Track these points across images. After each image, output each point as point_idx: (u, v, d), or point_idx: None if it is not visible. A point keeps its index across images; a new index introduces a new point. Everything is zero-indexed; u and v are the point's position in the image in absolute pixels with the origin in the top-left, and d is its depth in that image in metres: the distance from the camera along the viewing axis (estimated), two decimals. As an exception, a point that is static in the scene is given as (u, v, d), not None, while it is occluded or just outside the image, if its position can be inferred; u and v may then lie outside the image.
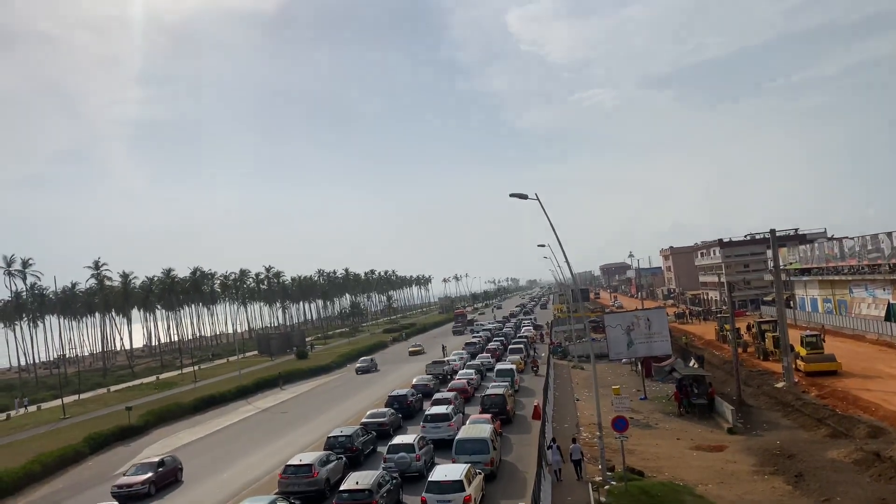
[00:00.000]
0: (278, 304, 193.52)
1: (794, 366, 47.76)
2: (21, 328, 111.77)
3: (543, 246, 67.14)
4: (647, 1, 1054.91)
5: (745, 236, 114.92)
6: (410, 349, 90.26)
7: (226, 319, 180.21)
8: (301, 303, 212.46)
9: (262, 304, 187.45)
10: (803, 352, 50.10)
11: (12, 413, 65.66)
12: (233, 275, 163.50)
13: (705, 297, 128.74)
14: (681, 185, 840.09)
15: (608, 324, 48.44)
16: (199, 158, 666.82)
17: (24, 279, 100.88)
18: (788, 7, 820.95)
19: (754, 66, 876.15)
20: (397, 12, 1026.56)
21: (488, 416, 35.28)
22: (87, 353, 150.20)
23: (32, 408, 68.46)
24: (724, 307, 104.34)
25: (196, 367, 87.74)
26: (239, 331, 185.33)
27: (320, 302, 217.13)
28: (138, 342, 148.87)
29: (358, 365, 76.12)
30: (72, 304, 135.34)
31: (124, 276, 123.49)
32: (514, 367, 52.45)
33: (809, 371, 48.02)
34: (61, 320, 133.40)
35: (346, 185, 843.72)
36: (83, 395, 74.69)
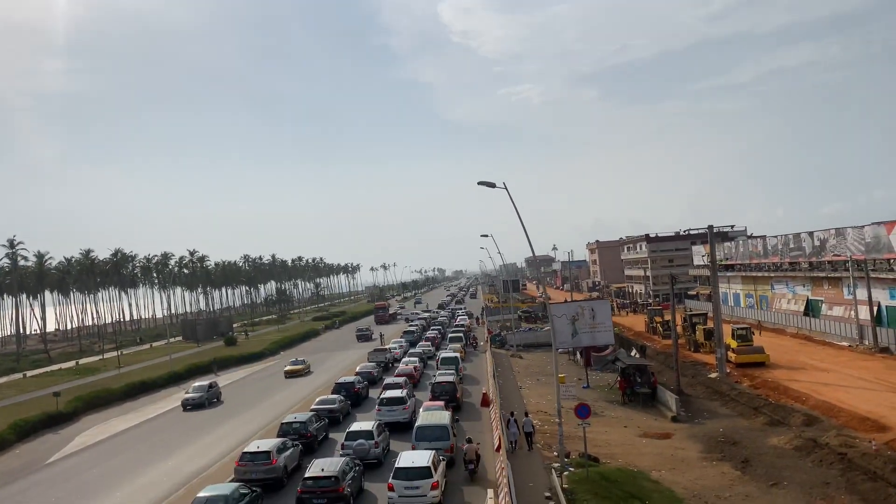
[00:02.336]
0: (200, 290, 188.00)
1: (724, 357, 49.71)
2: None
3: (487, 237, 68.20)
4: (575, 0, 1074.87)
5: (679, 232, 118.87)
6: (287, 368, 60.67)
7: (145, 304, 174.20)
8: (224, 289, 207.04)
9: (183, 289, 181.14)
10: (734, 344, 52.18)
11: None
12: (155, 258, 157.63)
13: (630, 290, 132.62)
14: (603, 183, 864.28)
15: (553, 313, 48.84)
16: (119, 137, 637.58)
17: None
18: (709, 13, 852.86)
19: (675, 69, 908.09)
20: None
21: (441, 402, 35.32)
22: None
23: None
24: (650, 300, 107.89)
25: (119, 353, 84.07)
26: (159, 316, 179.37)
27: (244, 288, 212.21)
28: (50, 326, 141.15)
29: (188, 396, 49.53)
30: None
31: (39, 256, 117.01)
32: (457, 355, 52.81)
33: (740, 362, 50.08)
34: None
35: (275, 172, 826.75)
36: (-4, 381, 70.48)
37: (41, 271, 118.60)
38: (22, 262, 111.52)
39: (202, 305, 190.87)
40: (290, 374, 59.24)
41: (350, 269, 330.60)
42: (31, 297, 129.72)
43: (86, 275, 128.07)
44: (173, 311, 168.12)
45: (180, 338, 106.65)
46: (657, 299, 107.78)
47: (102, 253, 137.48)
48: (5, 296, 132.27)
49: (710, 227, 51.87)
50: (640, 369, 42.38)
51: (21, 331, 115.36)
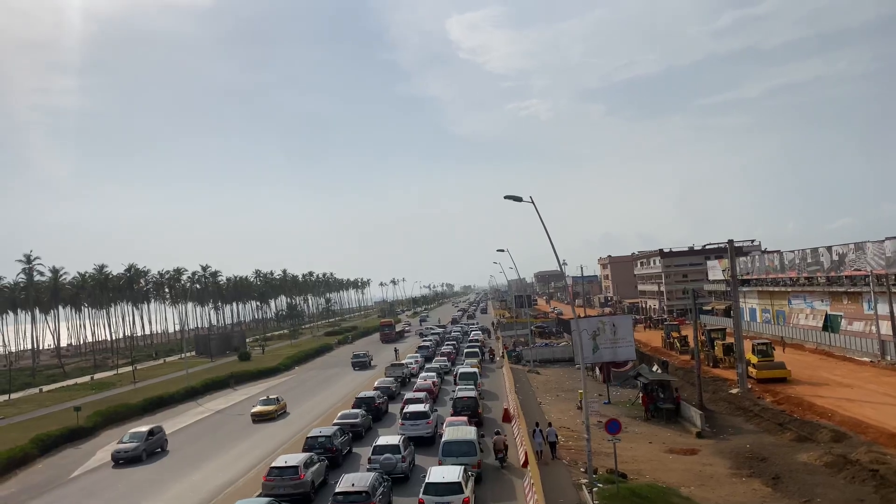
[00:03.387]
0: (212, 305, 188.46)
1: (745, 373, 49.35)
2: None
3: (503, 251, 68.31)
4: (582, 16, 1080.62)
5: (692, 246, 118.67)
6: (255, 410, 47.95)
7: (157, 319, 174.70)
8: (235, 303, 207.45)
9: (195, 304, 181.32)
10: (755, 359, 51.79)
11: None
12: (168, 273, 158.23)
13: (643, 306, 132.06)
14: (611, 197, 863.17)
15: (574, 328, 49.06)
16: (130, 154, 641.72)
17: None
18: (716, 28, 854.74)
19: (683, 84, 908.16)
20: (338, 9, 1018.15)
21: (464, 418, 35.17)
22: (3, 352, 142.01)
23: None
24: (665, 315, 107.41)
25: (133, 368, 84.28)
26: (171, 331, 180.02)
27: (256, 303, 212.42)
28: (63, 341, 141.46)
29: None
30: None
31: (54, 271, 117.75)
32: (476, 370, 52.76)
33: (761, 378, 49.68)
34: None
35: (285, 187, 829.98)
36: (13, 396, 70.71)
37: (56, 286, 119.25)
38: (37, 277, 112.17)
39: (213, 320, 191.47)
40: (259, 418, 46.50)
41: (360, 285, 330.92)
42: (44, 313, 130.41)
43: (99, 290, 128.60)
44: (185, 327, 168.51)
45: (193, 353, 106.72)
46: (672, 315, 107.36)
47: (115, 268, 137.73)
48: (19, 311, 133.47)
49: (731, 241, 51.64)
50: (662, 385, 42.14)
51: (35, 346, 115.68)
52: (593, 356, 45.26)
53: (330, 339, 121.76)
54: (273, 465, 26.72)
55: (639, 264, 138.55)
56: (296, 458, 27.01)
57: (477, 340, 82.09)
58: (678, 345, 71.08)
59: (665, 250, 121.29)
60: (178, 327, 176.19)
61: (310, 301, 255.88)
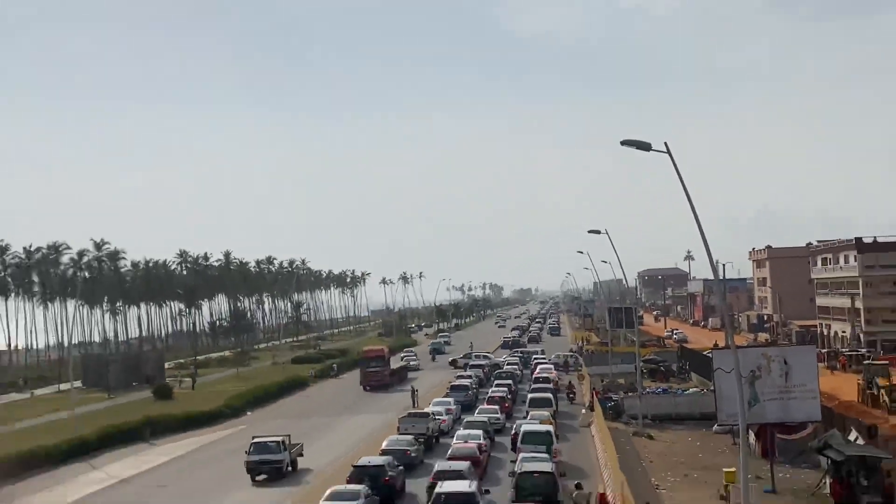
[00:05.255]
0: (107, 305, 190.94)
1: None
2: None
3: (599, 232, 68.38)
4: None
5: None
6: None
7: (17, 325, 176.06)
8: (147, 304, 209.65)
9: (81, 303, 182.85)
10: None
11: None
12: (39, 251, 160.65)
13: (824, 332, 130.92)
14: (774, 150, 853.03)
15: (718, 365, 48.71)
16: None
17: None
18: None
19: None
20: None
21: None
22: None
23: None
24: (865, 349, 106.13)
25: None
26: (40, 346, 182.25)
27: (179, 305, 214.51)
28: None
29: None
30: None
31: None
32: (549, 428, 52.78)
33: None
34: None
35: (237, 128, 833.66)
36: None
37: None
38: None
39: (111, 331, 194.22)
40: None
41: (349, 281, 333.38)
42: None
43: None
44: (67, 340, 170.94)
45: (80, 383, 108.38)
46: (876, 348, 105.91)
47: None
48: None
49: None
50: (867, 465, 41.78)
51: None
52: (749, 412, 44.97)
53: (302, 368, 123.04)
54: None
55: (819, 262, 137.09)
56: None
57: (547, 380, 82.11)
58: (887, 398, 70.49)
59: (866, 240, 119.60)
60: (50, 340, 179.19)
61: (266, 304, 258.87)
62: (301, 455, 54.56)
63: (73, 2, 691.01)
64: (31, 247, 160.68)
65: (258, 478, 49.43)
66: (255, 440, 52.40)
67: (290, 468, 52.07)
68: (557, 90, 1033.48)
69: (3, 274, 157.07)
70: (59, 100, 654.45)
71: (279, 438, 52.48)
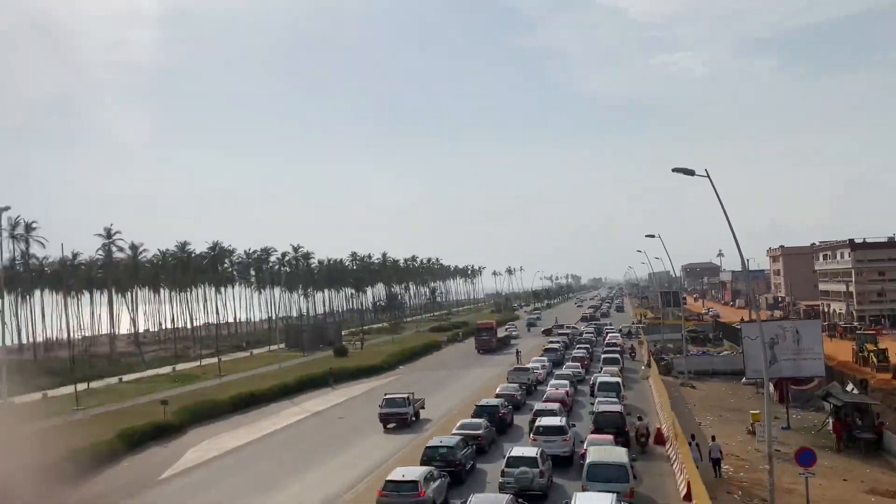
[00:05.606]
0: (301, 291, 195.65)
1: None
2: (10, 302, 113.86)
3: (653, 236, 67.12)
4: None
5: (894, 237, 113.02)
6: None
7: (239, 305, 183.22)
8: (327, 290, 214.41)
9: (283, 289, 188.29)
10: None
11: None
12: (255, 253, 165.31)
13: (825, 310, 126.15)
14: (781, 174, 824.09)
15: (746, 334, 47.52)
16: (214, 118, 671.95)
17: (27, 245, 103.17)
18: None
19: (877, 31, 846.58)
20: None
21: (608, 437, 34.77)
22: (78, 336, 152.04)
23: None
24: (855, 322, 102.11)
25: (218, 360, 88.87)
26: (255, 319, 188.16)
27: (350, 290, 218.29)
28: (128, 326, 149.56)
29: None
30: (67, 277, 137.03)
31: (133, 248, 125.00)
32: (618, 380, 52.23)
33: None
34: (54, 296, 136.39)
35: (387, 163, 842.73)
36: (92, 385, 76.07)
37: (136, 265, 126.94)
38: (116, 254, 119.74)
39: (303, 309, 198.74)
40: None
41: (470, 273, 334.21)
42: (121, 293, 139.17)
43: (181, 270, 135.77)
44: (272, 315, 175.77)
45: (283, 345, 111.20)
46: (864, 322, 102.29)
47: (198, 245, 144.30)
48: (95, 291, 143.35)
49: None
50: (860, 409, 40.26)
51: (113, 330, 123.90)
52: (770, 369, 43.53)
53: (436, 335, 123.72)
54: (389, 478, 27.38)
55: (821, 258, 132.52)
56: (415, 472, 27.59)
57: (615, 344, 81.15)
58: (874, 359, 67.84)
59: (857, 241, 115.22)
60: (262, 315, 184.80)
61: (411, 290, 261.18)
62: (423, 408, 50.64)
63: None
64: (249, 250, 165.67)
65: (388, 426, 46.58)
66: (387, 396, 49.11)
67: (413, 418, 48.11)
68: (614, 130, 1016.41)
69: (231, 269, 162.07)
70: (279, 149, 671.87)
71: (405, 395, 49.21)
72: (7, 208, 33.82)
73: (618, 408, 40.20)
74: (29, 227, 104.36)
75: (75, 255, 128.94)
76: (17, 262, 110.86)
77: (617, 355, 68.80)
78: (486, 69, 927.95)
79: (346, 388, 69.19)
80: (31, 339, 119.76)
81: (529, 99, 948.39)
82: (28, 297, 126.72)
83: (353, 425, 48.87)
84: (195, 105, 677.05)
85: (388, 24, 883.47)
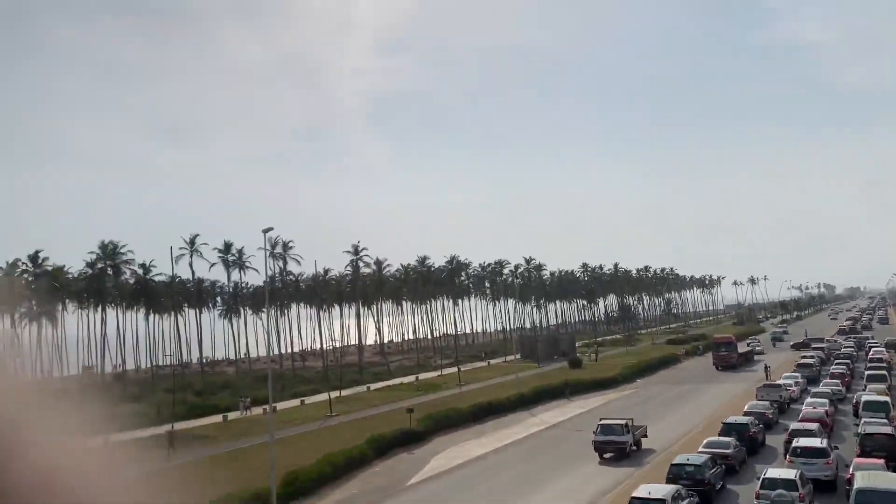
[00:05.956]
0: (533, 302, 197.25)
1: None
2: (269, 316, 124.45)
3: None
4: None
5: None
6: None
7: (473, 317, 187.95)
8: (558, 302, 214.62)
9: (516, 301, 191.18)
10: None
11: (237, 414, 67.16)
12: (489, 266, 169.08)
13: None
14: None
15: None
16: (449, 137, 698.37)
17: (285, 263, 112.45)
18: None
19: None
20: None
21: (879, 461, 31.59)
22: (327, 347, 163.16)
23: (257, 410, 68.07)
24: None
25: (458, 369, 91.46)
26: (489, 330, 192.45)
27: (581, 302, 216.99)
28: (374, 337, 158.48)
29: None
30: (320, 291, 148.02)
31: (378, 263, 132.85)
32: (887, 399, 47.68)
33: None
34: (308, 309, 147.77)
35: (614, 169, 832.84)
36: (343, 393, 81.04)
37: (381, 279, 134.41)
38: (362, 269, 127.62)
39: (536, 320, 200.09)
40: None
41: (707, 283, 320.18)
42: (367, 306, 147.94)
43: (422, 283, 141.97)
44: (506, 326, 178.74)
45: (517, 356, 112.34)
46: None
47: (437, 260, 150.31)
48: (344, 304, 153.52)
49: None
50: None
51: (361, 341, 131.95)
52: None
53: (674, 348, 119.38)
54: (635, 495, 26.76)
55: None
56: (661, 490, 26.79)
57: (881, 359, 73.85)
58: None
59: None
60: (496, 326, 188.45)
61: (644, 301, 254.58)
62: (645, 436, 45.03)
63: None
64: (484, 263, 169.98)
65: (605, 455, 41.62)
66: (602, 422, 43.24)
67: (633, 447, 42.41)
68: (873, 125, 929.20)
69: (467, 282, 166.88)
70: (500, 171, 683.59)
71: (623, 421, 43.19)
72: (270, 229, 36.15)
73: (888, 429, 36.66)
74: (286, 246, 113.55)
75: (327, 272, 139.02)
76: (276, 279, 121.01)
77: (884, 371, 63.07)
78: (722, 68, 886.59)
79: (582, 399, 68.54)
80: (289, 350, 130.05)
81: (771, 96, 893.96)
82: (286, 310, 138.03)
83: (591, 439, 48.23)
84: (428, 128, 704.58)
85: (612, 34, 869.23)
